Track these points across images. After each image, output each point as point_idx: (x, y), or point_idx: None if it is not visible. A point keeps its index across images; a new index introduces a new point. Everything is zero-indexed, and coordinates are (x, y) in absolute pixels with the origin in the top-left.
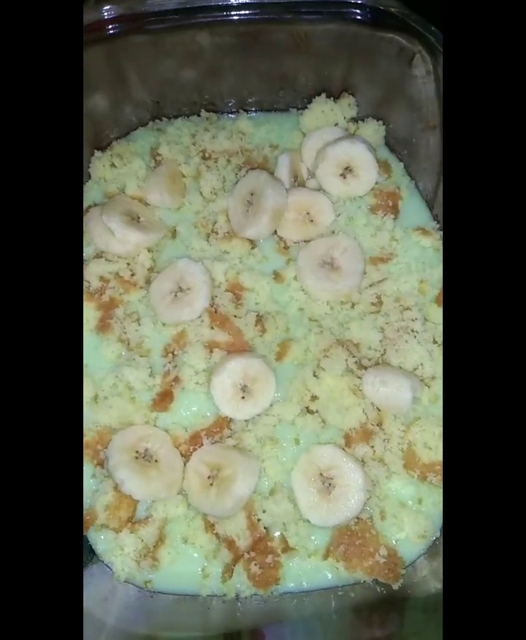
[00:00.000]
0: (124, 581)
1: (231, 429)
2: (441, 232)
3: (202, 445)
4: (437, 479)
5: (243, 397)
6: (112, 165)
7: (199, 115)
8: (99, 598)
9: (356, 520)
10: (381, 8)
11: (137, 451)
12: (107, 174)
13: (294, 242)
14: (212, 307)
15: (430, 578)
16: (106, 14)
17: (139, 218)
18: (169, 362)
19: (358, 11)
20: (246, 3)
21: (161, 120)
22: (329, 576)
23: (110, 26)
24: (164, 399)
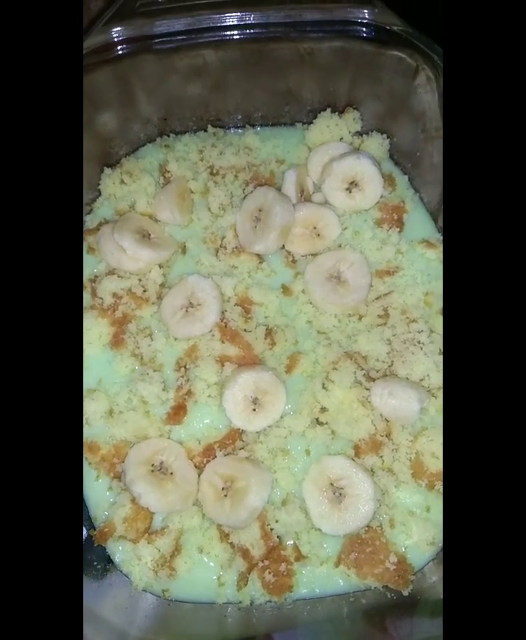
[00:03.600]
0: (142, 590)
1: (243, 441)
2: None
3: (216, 457)
4: None
5: (254, 410)
6: (122, 182)
7: (206, 131)
8: (119, 607)
9: (366, 528)
10: (385, 27)
11: (153, 464)
12: (117, 191)
13: (302, 256)
14: (222, 321)
15: (439, 584)
16: (115, 36)
17: (150, 235)
18: (182, 376)
19: (363, 29)
20: (252, 23)
21: (168, 136)
22: (341, 582)
23: (119, 47)
24: (177, 412)
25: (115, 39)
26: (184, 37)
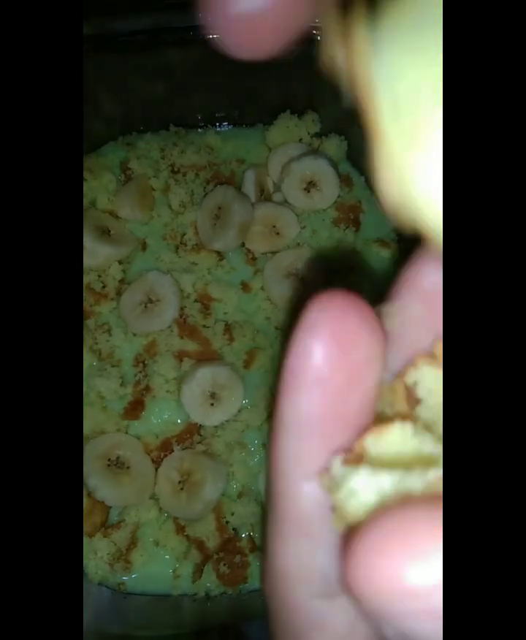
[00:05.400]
0: (98, 584)
1: (200, 435)
2: (399, 244)
3: (173, 451)
4: None
5: (212, 404)
6: (83, 179)
7: (167, 130)
8: None
9: None
10: None
11: (109, 459)
12: None
13: (262, 254)
14: (181, 317)
15: None
16: None
17: (109, 231)
18: (140, 372)
19: (318, 32)
20: None
21: (130, 134)
22: None
23: None
24: (135, 407)
25: None
26: (146, 37)
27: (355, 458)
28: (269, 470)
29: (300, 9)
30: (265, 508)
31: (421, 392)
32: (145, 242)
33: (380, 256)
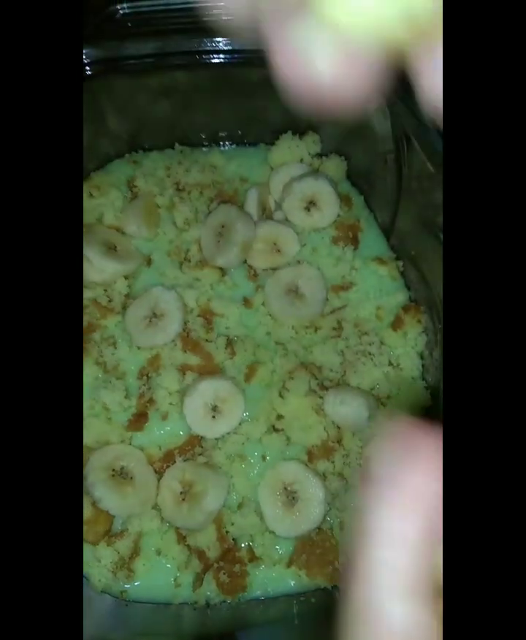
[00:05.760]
0: (101, 592)
1: (202, 447)
2: (397, 262)
3: (175, 462)
4: None
5: (214, 417)
6: (90, 195)
7: (173, 148)
8: None
9: (317, 530)
10: None
11: (114, 470)
12: (86, 204)
13: (263, 270)
14: (184, 331)
15: None
16: (85, 57)
17: (116, 247)
18: (144, 384)
19: None
20: (217, 49)
21: (137, 152)
22: (292, 583)
23: (88, 68)
24: (138, 419)
25: (85, 60)
26: (153, 60)
27: None
28: (357, 578)
29: (365, 87)
30: (344, 617)
31: None
32: (150, 258)
33: (378, 273)
